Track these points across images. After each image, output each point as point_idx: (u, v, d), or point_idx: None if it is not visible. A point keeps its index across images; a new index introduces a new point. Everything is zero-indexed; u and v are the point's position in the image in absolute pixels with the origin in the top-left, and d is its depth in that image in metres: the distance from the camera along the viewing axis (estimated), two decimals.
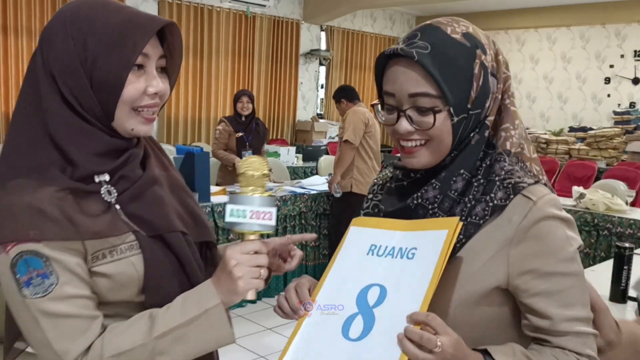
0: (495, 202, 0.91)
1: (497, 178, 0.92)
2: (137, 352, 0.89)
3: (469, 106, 0.91)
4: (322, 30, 9.39)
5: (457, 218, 0.90)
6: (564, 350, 0.90)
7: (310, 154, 7.30)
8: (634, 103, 8.56)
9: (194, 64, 7.60)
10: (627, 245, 2.17)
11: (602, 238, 4.11)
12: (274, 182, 5.05)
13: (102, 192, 0.93)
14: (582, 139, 8.43)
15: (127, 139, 0.97)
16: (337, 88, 4.80)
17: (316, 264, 4.69)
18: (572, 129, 8.90)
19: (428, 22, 0.94)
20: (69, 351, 0.87)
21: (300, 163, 6.99)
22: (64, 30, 0.90)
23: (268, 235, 1.02)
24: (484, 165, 0.94)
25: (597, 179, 6.98)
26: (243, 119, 4.86)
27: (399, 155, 1.02)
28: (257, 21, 8.27)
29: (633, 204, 5.10)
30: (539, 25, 9.42)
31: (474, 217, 0.91)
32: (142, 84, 0.93)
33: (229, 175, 4.78)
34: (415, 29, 0.94)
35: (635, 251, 2.94)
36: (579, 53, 9.12)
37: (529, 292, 0.90)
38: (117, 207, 0.94)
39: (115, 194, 0.94)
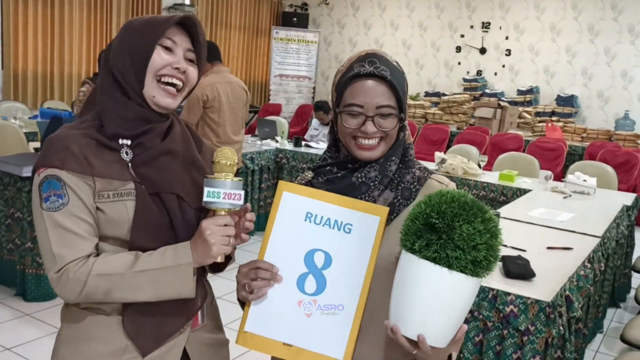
0: (418, 173, 1.24)
1: (412, 158, 1.25)
2: (117, 278, 1.11)
3: (404, 113, 1.22)
4: None
5: (387, 208, 1.15)
6: None
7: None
8: (481, 71, 9.35)
9: (44, 13, 6.92)
10: (492, 211, 2.43)
11: None
12: None
13: (121, 152, 1.18)
14: (436, 104, 9.08)
15: (156, 113, 1.21)
16: None
17: None
18: (427, 94, 9.53)
19: (373, 51, 1.20)
20: (63, 257, 1.11)
21: None
22: (120, 34, 1.22)
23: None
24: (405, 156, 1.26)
25: (450, 141, 7.60)
26: None
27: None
28: None
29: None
30: None
31: (406, 183, 1.22)
32: (169, 59, 1.19)
33: None
34: (369, 54, 1.18)
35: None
36: (434, 22, 9.70)
37: None
38: (130, 165, 1.18)
39: (132, 156, 1.18)
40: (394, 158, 1.20)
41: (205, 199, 1.13)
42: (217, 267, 1.30)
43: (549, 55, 8.77)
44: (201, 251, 1.13)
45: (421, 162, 1.31)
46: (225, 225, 1.13)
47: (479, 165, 4.88)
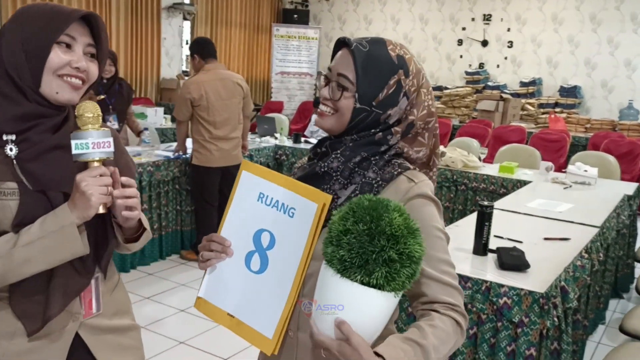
0: (385, 170, 1.16)
1: (387, 157, 1.18)
2: (6, 259, 1.11)
3: (373, 103, 1.15)
4: None
5: (329, 196, 1.11)
6: (436, 312, 1.08)
7: None
8: (483, 64, 9.28)
9: None
10: (486, 203, 2.40)
11: (460, 192, 4.49)
12: (142, 146, 4.84)
13: (5, 147, 1.16)
14: (439, 98, 9.03)
15: (53, 108, 1.19)
16: (193, 40, 4.57)
17: (192, 229, 4.63)
18: None
19: (381, 37, 1.20)
20: None
21: (169, 124, 6.73)
22: (13, 22, 1.18)
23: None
24: (384, 155, 1.18)
25: (452, 135, 7.56)
26: (104, 81, 4.54)
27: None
28: None
29: (484, 160, 5.61)
30: None
31: (367, 179, 1.16)
32: (67, 58, 1.17)
33: None
34: (370, 37, 1.19)
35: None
36: (435, 15, 9.64)
37: None
38: (14, 161, 1.16)
39: (16, 152, 1.16)
40: (363, 153, 1.15)
41: (74, 151, 1.13)
42: (132, 238, 1.30)
43: (552, 46, 8.69)
44: (81, 205, 1.13)
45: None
46: (101, 175, 1.14)
47: (479, 158, 4.85)
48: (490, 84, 8.96)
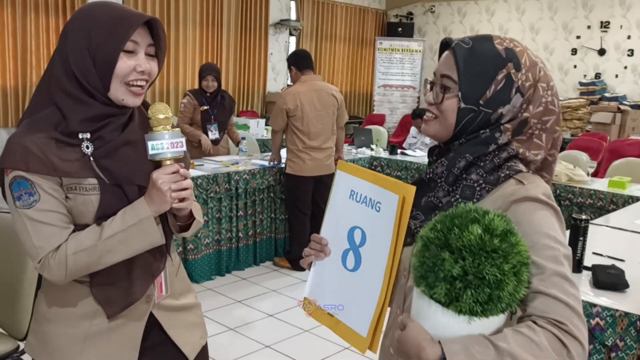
0: (492, 173, 1.05)
1: (496, 160, 1.06)
2: (91, 250, 1.22)
3: (480, 102, 1.06)
4: None
5: (413, 187, 1.05)
6: (536, 323, 0.90)
7: None
8: (600, 74, 8.70)
9: (175, 35, 7.44)
10: (582, 217, 2.23)
11: (563, 208, 4.22)
12: (240, 155, 5.02)
13: (82, 146, 1.24)
14: None
15: (119, 107, 1.27)
16: (291, 52, 4.68)
17: (285, 237, 4.73)
18: None
19: (490, 34, 1.13)
20: (43, 247, 1.22)
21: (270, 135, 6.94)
22: (77, 25, 1.23)
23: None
24: (494, 158, 1.07)
25: (562, 149, 7.12)
26: (208, 94, 4.79)
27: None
28: None
29: (595, 174, 5.23)
30: None
31: (468, 182, 1.07)
32: (132, 63, 1.23)
33: (195, 150, 4.69)
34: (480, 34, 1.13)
35: (596, 221, 3.04)
36: (546, 24, 9.19)
37: None
38: (92, 158, 1.25)
39: (92, 149, 1.25)
40: (467, 155, 1.06)
41: (150, 152, 1.22)
42: (184, 227, 1.38)
43: None
44: (157, 200, 1.23)
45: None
46: (174, 172, 1.24)
47: (588, 173, 4.53)
48: (607, 95, 8.37)
